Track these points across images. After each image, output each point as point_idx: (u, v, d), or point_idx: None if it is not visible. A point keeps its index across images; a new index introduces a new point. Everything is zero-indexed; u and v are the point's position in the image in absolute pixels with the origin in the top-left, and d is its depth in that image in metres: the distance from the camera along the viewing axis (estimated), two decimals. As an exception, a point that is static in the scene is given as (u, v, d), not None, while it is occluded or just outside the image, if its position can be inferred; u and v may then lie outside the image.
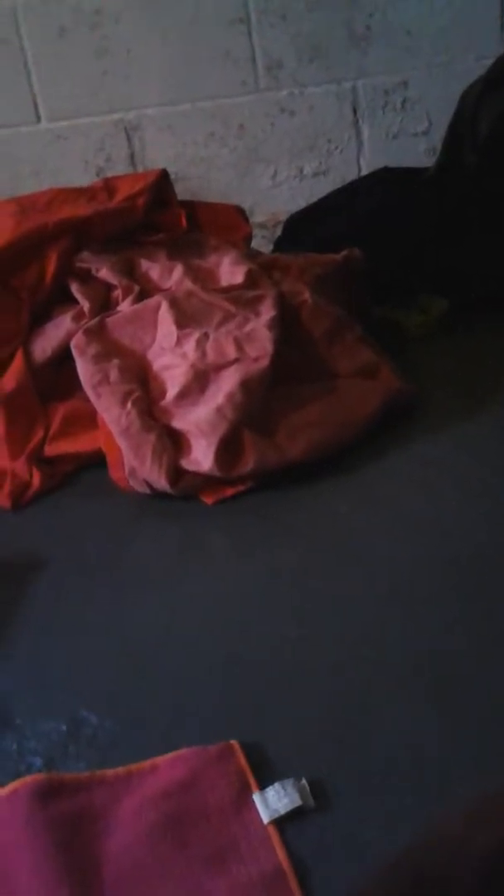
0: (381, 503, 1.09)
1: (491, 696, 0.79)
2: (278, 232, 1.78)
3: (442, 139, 1.66)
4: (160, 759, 0.76)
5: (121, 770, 0.76)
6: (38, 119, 1.83)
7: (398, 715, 0.79)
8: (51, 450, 1.19)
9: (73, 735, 0.82)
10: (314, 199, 1.76)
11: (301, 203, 1.82)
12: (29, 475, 1.17)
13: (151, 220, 1.34)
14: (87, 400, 1.17)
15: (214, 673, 0.87)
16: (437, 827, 0.58)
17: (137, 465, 1.10)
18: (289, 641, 0.90)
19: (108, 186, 1.34)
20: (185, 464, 1.10)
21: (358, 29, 1.76)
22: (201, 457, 1.09)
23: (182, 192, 1.83)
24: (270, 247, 1.80)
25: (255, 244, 1.82)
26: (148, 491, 1.12)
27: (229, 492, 1.11)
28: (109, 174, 1.81)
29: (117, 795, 0.74)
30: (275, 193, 1.90)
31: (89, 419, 1.18)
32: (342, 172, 1.86)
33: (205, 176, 1.89)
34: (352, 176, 1.84)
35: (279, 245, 1.73)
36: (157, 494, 1.13)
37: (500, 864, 0.51)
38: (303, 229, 1.70)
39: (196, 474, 1.10)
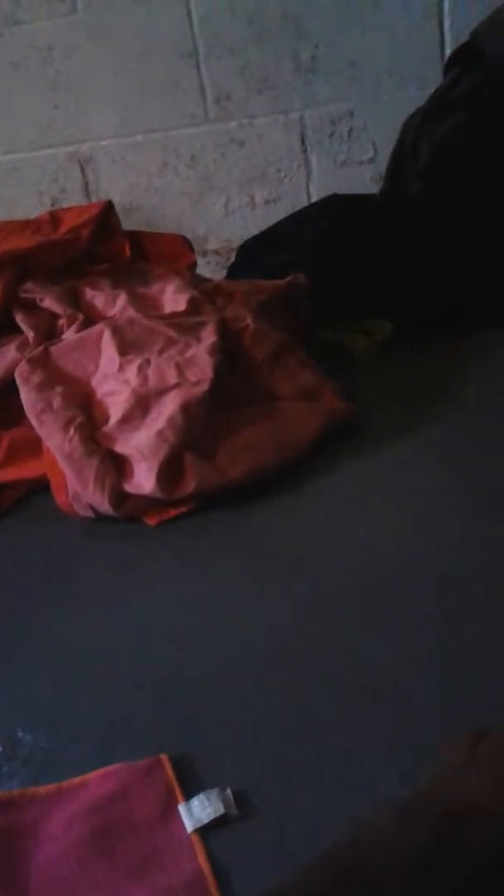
0: (318, 520, 1.12)
1: (415, 702, 0.81)
2: (231, 258, 1.83)
3: (386, 167, 1.71)
4: (91, 775, 0.79)
5: (51, 787, 0.78)
6: (-7, 152, 1.87)
7: (326, 723, 0.81)
8: (-2, 476, 1.22)
9: (9, 755, 0.83)
10: (266, 226, 1.81)
11: (253, 230, 1.87)
12: (-24, 502, 1.20)
13: (96, 251, 1.37)
14: (33, 427, 1.20)
15: (150, 689, 0.89)
16: (366, 824, 0.60)
17: (81, 490, 1.13)
18: (226, 656, 0.92)
19: (54, 218, 1.38)
20: (128, 487, 1.13)
21: (304, 60, 1.82)
22: (143, 480, 1.12)
23: (137, 221, 1.87)
24: (224, 273, 1.84)
25: (209, 271, 1.87)
26: (92, 515, 1.15)
27: (172, 513, 1.14)
28: (64, 205, 1.86)
29: (47, 811, 0.76)
30: (228, 221, 1.95)
31: (35, 446, 1.21)
32: (292, 200, 1.92)
33: (159, 205, 1.93)
34: (302, 203, 1.90)
35: (232, 271, 1.77)
36: (101, 518, 1.15)
37: (429, 863, 0.53)
38: (255, 256, 1.74)
39: (139, 497, 1.13)
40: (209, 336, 1.23)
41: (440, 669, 0.84)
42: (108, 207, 1.40)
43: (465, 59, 1.58)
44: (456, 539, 1.02)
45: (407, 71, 1.83)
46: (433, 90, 1.66)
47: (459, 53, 1.61)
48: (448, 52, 1.75)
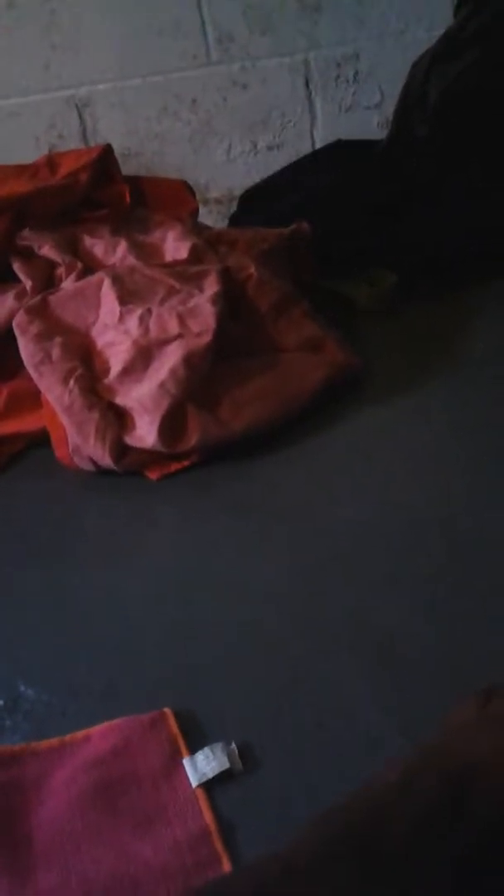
0: (324, 473, 1.10)
1: (417, 660, 0.80)
2: (233, 207, 1.78)
3: (393, 111, 1.66)
4: (93, 730, 0.78)
5: (54, 741, 0.77)
6: (-11, 96, 1.81)
7: (332, 681, 0.80)
8: (-4, 429, 1.20)
9: (10, 709, 0.83)
10: (269, 173, 1.76)
11: (256, 177, 1.82)
12: (-25, 456, 1.18)
13: (95, 196, 1.33)
14: (32, 379, 1.18)
15: (152, 644, 0.89)
16: (367, 786, 0.59)
17: (81, 443, 1.11)
18: (230, 611, 0.91)
19: (51, 162, 1.34)
20: (129, 440, 1.11)
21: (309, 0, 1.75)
22: (145, 433, 1.10)
23: (136, 167, 1.82)
24: (226, 222, 1.80)
25: (210, 220, 1.82)
26: (93, 468, 1.13)
27: (174, 467, 1.12)
28: (62, 151, 1.80)
29: (50, 766, 0.75)
30: (229, 168, 1.90)
31: (34, 398, 1.19)
32: (296, 146, 1.86)
33: (159, 151, 1.88)
34: (306, 150, 1.84)
35: (234, 220, 1.73)
36: (102, 472, 1.13)
37: (430, 826, 0.52)
38: (257, 204, 1.70)
39: (140, 450, 1.11)
40: (212, 285, 1.20)
41: (443, 627, 0.83)
42: (107, 151, 1.36)
43: (477, -3, 1.53)
44: (461, 494, 1.01)
45: (415, 11, 1.76)
46: (442, 31, 1.60)
47: (471, -9, 1.55)
48: (458, -9, 1.69)
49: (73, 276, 1.24)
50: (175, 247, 1.28)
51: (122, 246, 1.27)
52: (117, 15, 1.76)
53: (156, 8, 1.75)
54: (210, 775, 0.72)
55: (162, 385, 1.11)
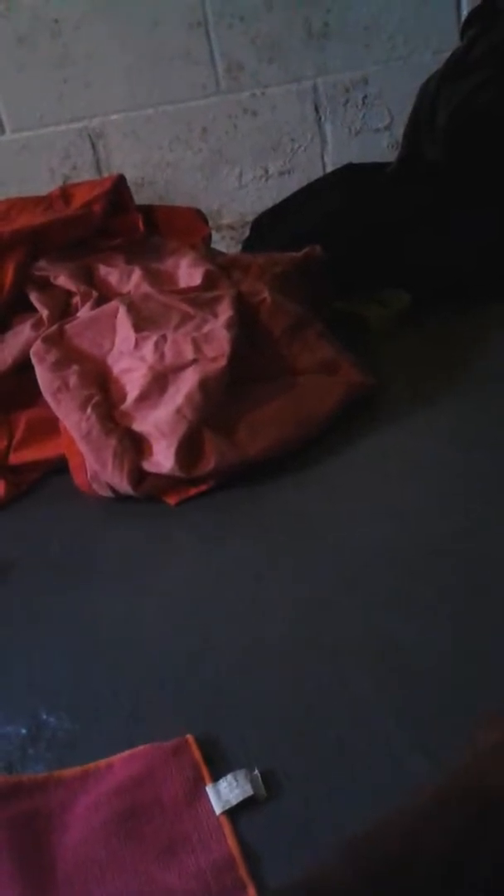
0: (341, 494, 1.10)
1: (439, 682, 0.80)
2: (246, 233, 1.80)
3: (403, 134, 1.68)
4: (116, 758, 0.78)
5: (77, 770, 0.77)
6: (3, 130, 1.84)
7: (351, 701, 0.80)
8: (15, 458, 1.21)
9: (33, 738, 0.83)
10: (280, 198, 1.78)
11: (268, 203, 1.84)
12: (-6, 485, 1.19)
13: (109, 226, 1.35)
14: (50, 407, 1.18)
15: (175, 669, 0.88)
16: (397, 811, 0.58)
17: (99, 469, 1.12)
18: (249, 635, 0.91)
19: (65, 194, 1.36)
20: (147, 466, 1.11)
21: (316, 26, 1.78)
22: (162, 458, 1.11)
23: (150, 196, 1.85)
24: (238, 248, 1.82)
25: (223, 246, 1.84)
26: (111, 494, 1.14)
27: (192, 492, 1.12)
28: (76, 182, 1.83)
29: (73, 794, 0.75)
30: (241, 194, 1.92)
31: (52, 426, 1.20)
32: (307, 171, 1.88)
33: (171, 180, 1.90)
34: (317, 174, 1.86)
35: (247, 246, 1.74)
36: (120, 497, 1.14)
37: (464, 854, 0.51)
38: (269, 229, 1.71)
39: (158, 476, 1.11)
40: (226, 310, 1.21)
41: (460, 645, 0.83)
42: (120, 181, 1.38)
43: (483, 18, 1.54)
44: (476, 513, 1.01)
45: (422, 35, 1.78)
46: (449, 53, 1.62)
47: (477, 13, 1.57)
48: (464, 13, 1.71)
49: (88, 305, 1.25)
50: (189, 273, 1.29)
51: (137, 274, 1.28)
52: (128, 47, 1.79)
53: (165, 39, 1.78)
54: (234, 802, 0.72)
55: (178, 410, 1.12)
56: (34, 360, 1.20)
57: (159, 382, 1.15)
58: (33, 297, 1.27)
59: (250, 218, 1.81)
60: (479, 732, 0.61)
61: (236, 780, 0.73)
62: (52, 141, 1.86)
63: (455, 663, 0.81)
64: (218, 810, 0.71)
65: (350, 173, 1.72)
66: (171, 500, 1.13)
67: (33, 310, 1.27)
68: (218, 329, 1.19)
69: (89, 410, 1.14)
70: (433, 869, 0.49)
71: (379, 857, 0.51)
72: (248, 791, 0.72)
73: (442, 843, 0.50)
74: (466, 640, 0.83)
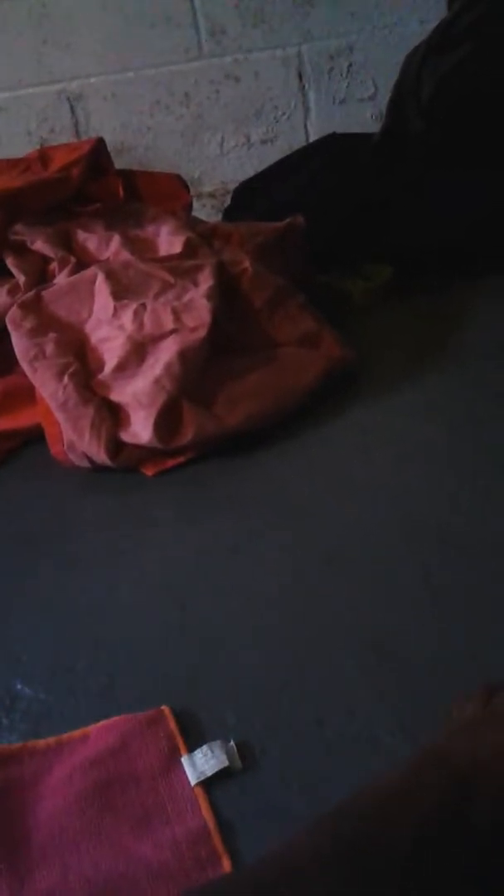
0: (320, 469, 1.10)
1: (416, 659, 0.80)
2: (227, 201, 1.78)
3: (387, 104, 1.66)
4: (91, 728, 0.77)
5: (52, 740, 0.77)
6: (-21, 91, 1.80)
7: (331, 678, 0.80)
8: (-9, 426, 1.19)
9: (8, 708, 0.82)
10: (262, 166, 1.76)
11: (249, 171, 1.82)
12: (-31, 453, 1.17)
13: (88, 191, 1.32)
14: (26, 375, 1.17)
15: (150, 642, 0.88)
16: (369, 787, 0.58)
17: (76, 439, 1.10)
18: (227, 609, 0.91)
19: (43, 156, 1.33)
20: (125, 436, 1.10)
21: (301, -8, 1.75)
22: (140, 429, 1.09)
23: (129, 162, 1.81)
24: (219, 216, 1.80)
25: (204, 214, 1.82)
26: (88, 465, 1.12)
27: (169, 463, 1.12)
28: (54, 145, 1.79)
29: (48, 765, 0.75)
30: (223, 162, 1.89)
31: (29, 395, 1.18)
32: (289, 139, 1.86)
33: (152, 146, 1.87)
34: (299, 143, 1.84)
35: (228, 214, 1.72)
36: (97, 468, 1.13)
37: (438, 827, 0.51)
38: (251, 198, 1.69)
39: (136, 447, 1.10)
40: (206, 280, 1.19)
41: (442, 624, 0.83)
42: (100, 144, 1.35)
43: (470, -12, 1.52)
44: (457, 490, 1.01)
45: (408, 3, 1.76)
46: (436, 23, 1.59)
47: (464, -18, 1.54)
48: (452, -18, 1.68)
49: (66, 271, 1.23)
50: (169, 241, 1.27)
51: (116, 240, 1.26)
52: (109, 8, 1.75)
53: (148, 1, 1.74)
54: (209, 773, 0.72)
55: (157, 381, 1.10)
56: (10, 327, 1.18)
57: (138, 352, 1.14)
58: (9, 262, 1.24)
59: (231, 186, 1.79)
60: (455, 708, 0.61)
61: (212, 751, 0.73)
62: (31, 103, 1.82)
63: (436, 643, 0.81)
64: (193, 781, 0.71)
65: (334, 143, 1.70)
66: (149, 472, 1.12)
67: (9, 275, 1.25)
68: (198, 298, 1.17)
69: (66, 379, 1.12)
70: (404, 844, 0.49)
71: (351, 833, 0.51)
72: (224, 762, 0.72)
73: (413, 819, 0.51)
74: (449, 620, 0.83)
